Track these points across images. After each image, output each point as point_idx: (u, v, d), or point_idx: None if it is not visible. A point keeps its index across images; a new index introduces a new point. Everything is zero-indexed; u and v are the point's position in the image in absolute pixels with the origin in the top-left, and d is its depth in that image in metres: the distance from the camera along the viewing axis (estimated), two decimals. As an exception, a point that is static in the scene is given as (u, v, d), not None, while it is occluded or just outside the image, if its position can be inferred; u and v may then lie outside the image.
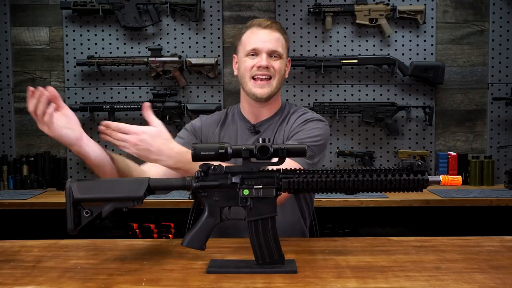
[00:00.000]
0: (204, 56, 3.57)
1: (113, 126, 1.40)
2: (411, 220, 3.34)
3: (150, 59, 3.46)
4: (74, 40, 3.57)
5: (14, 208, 3.08)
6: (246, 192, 1.25)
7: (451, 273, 1.23)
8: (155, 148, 1.39)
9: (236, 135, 1.79)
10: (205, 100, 3.58)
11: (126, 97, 3.58)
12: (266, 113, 1.78)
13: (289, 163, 1.44)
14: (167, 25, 3.57)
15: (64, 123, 1.42)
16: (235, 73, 1.81)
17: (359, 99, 3.56)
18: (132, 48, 3.57)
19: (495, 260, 1.33)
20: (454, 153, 3.49)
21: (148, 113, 1.42)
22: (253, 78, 1.72)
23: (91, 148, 1.47)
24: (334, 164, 3.57)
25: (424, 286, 1.15)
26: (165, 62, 3.47)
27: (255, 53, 1.72)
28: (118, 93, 3.58)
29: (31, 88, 1.38)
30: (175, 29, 3.58)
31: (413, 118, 3.56)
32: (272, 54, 1.72)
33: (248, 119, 1.80)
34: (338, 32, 3.57)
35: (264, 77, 1.71)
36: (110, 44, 3.57)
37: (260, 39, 1.71)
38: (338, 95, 3.58)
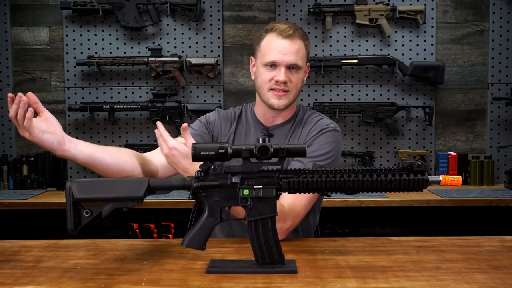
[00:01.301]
0: (204, 56, 3.57)
1: (160, 128, 1.46)
2: (411, 220, 3.34)
3: (150, 59, 3.46)
4: (74, 40, 3.57)
5: (14, 208, 3.08)
6: (246, 192, 1.26)
7: (451, 273, 1.23)
8: (182, 165, 1.46)
9: (250, 136, 1.79)
10: (205, 100, 3.58)
11: (126, 97, 3.58)
12: (281, 119, 1.78)
13: None
14: (167, 25, 3.57)
15: (45, 128, 1.44)
16: (252, 77, 1.79)
17: (359, 99, 3.56)
18: (132, 48, 3.57)
19: (495, 260, 1.33)
20: (454, 153, 3.49)
21: (185, 134, 1.46)
22: (271, 89, 1.70)
23: (76, 150, 1.48)
24: (334, 164, 3.56)
25: (424, 286, 1.15)
26: (165, 62, 3.47)
27: (273, 65, 1.69)
28: (118, 93, 3.58)
29: (10, 95, 1.41)
30: (175, 29, 3.57)
31: (413, 118, 3.56)
32: (291, 67, 1.69)
33: (262, 122, 1.80)
34: (338, 32, 3.57)
35: (281, 89, 1.69)
36: (110, 44, 3.57)
37: (280, 50, 1.67)
38: (338, 95, 3.58)
